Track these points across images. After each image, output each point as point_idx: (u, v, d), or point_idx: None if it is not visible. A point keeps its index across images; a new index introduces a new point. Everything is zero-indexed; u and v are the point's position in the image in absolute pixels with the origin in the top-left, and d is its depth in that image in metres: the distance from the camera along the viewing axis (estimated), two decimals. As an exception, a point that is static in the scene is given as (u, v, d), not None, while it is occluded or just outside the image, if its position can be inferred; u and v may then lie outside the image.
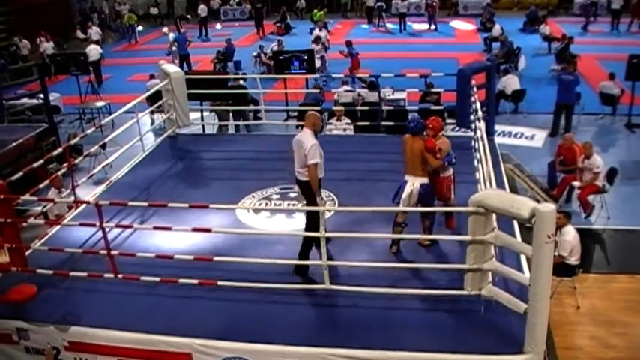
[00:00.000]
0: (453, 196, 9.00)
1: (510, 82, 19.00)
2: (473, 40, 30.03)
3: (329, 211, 9.31)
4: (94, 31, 30.60)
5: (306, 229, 8.26)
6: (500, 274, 7.02)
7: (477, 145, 10.32)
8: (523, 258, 7.58)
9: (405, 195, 8.41)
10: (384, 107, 14.62)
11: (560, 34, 25.31)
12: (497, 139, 13.20)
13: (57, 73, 23.52)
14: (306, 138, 8.21)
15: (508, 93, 18.78)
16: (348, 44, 23.95)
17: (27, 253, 8.61)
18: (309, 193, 8.30)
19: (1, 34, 30.45)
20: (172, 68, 13.48)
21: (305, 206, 8.56)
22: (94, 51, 25.84)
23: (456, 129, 13.62)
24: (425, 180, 8.43)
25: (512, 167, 12.90)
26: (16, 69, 20.75)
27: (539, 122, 17.97)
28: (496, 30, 27.18)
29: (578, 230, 10.45)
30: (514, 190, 11.74)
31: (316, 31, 26.21)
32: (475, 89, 11.70)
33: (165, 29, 27.79)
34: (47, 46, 27.82)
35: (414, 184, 8.43)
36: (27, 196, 9.15)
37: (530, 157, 15.11)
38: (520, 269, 7.38)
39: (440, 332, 7.06)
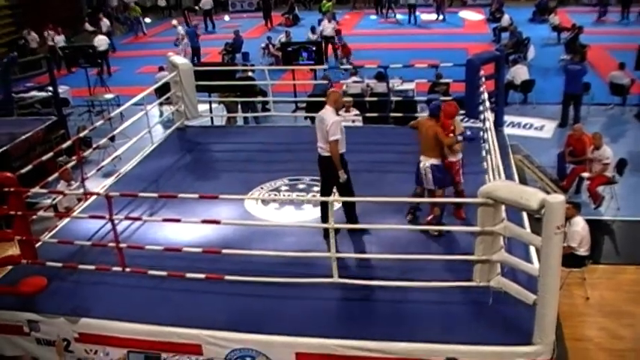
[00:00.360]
0: (462, 181, 9.08)
1: (519, 73, 18.91)
2: (482, 31, 29.91)
3: (337, 202, 9.33)
4: (104, 23, 30.60)
5: (345, 203, 8.78)
6: (509, 266, 7.01)
7: (485, 136, 10.28)
8: (532, 249, 7.56)
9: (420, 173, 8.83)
10: (393, 98, 14.58)
11: (570, 24, 25.17)
12: (507, 130, 13.15)
13: (67, 66, 23.58)
14: (328, 115, 8.65)
15: (517, 83, 18.70)
16: (337, 33, 24.05)
17: (37, 245, 8.66)
18: (330, 168, 8.63)
19: (10, 28, 30.45)
20: (181, 60, 13.48)
21: (328, 181, 8.86)
22: (102, 41, 26.07)
23: (465, 119, 13.56)
24: (436, 161, 8.68)
25: (522, 158, 12.85)
26: (25, 62, 20.76)
27: (549, 113, 17.89)
28: (505, 20, 27.06)
29: (588, 221, 10.41)
30: (523, 180, 11.71)
31: (325, 22, 26.12)
32: (484, 80, 11.66)
33: (174, 21, 27.77)
34: (59, 39, 27.84)
35: (425, 163, 8.72)
36: (37, 189, 9.18)
37: (540, 147, 15.04)
38: (529, 260, 7.37)
39: (449, 323, 7.06)
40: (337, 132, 8.50)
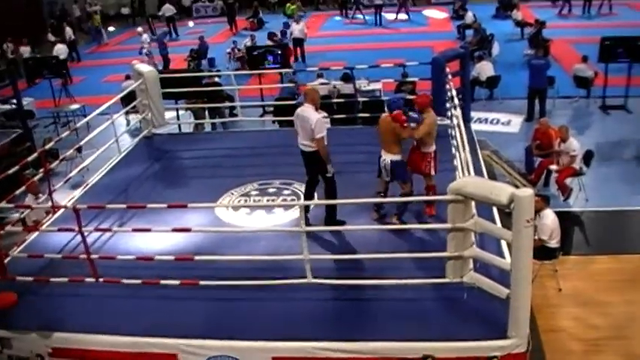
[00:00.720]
0: (433, 173, 9.24)
1: (485, 69, 19.07)
2: (446, 28, 30.11)
3: (312, 204, 9.34)
4: (67, 32, 30.37)
5: (328, 193, 9.10)
6: (482, 261, 7.05)
7: (453, 133, 10.34)
8: (504, 243, 7.61)
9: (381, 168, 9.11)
10: (360, 99, 14.62)
11: (533, 19, 25.41)
12: (474, 126, 13.26)
13: (28, 77, 23.30)
14: (310, 113, 8.97)
15: (483, 79, 18.86)
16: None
17: (6, 260, 8.54)
18: (316, 162, 9.09)
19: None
20: (146, 68, 13.38)
21: (316, 172, 9.31)
22: (61, 50, 26.07)
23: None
24: (396, 157, 8.93)
25: (490, 153, 12.96)
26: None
27: (515, 107, 18.05)
28: (469, 17, 27.28)
29: (557, 213, 10.52)
30: (492, 176, 11.80)
31: (293, 25, 26.06)
32: (450, 77, 11.72)
33: (139, 29, 27.50)
34: (25, 50, 27.61)
35: (385, 159, 8.97)
36: (3, 204, 9.05)
37: (507, 142, 15.19)
38: (501, 255, 7.42)
39: (424, 321, 7.08)
40: (323, 129, 8.86)
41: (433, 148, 9.28)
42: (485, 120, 17.37)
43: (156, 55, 25.57)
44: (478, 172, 9.64)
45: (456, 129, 9.74)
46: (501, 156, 13.27)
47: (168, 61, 26.12)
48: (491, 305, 6.89)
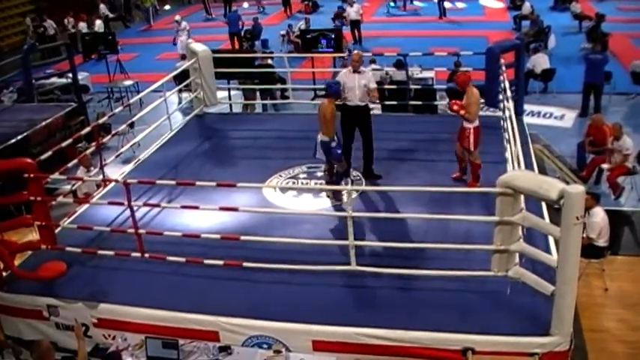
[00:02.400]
0: (472, 148, 9.59)
1: (540, 61, 18.74)
2: (502, 19, 29.62)
3: (356, 190, 9.34)
4: (102, 8, 30.75)
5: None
6: (528, 256, 6.98)
7: (505, 125, 10.23)
8: (551, 239, 7.52)
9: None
10: (412, 86, 14.51)
11: (592, 12, 24.89)
12: (526, 119, 13.08)
13: (85, 53, 23.65)
14: (364, 71, 10.24)
15: (537, 72, 18.54)
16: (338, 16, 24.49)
17: (56, 231, 8.73)
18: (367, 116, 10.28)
19: (30, 15, 30.56)
20: (200, 47, 13.47)
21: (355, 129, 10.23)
22: (99, 27, 27.01)
23: (485, 108, 13.49)
24: (325, 137, 9.44)
25: (541, 147, 12.78)
26: (44, 49, 20.87)
27: (569, 102, 17.71)
28: (526, 8, 26.79)
29: (607, 212, 10.31)
30: (543, 170, 11.64)
31: (348, 8, 25.91)
32: (504, 68, 11.58)
33: (177, 17, 27.31)
34: (83, 26, 28.09)
35: (318, 138, 9.56)
36: (56, 175, 9.23)
37: (560, 137, 14.92)
38: (548, 251, 7.34)
39: (466, 313, 7.06)
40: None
41: (474, 124, 9.50)
42: (539, 113, 17.08)
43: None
44: (529, 165, 9.55)
45: (508, 121, 9.62)
46: (553, 151, 13.07)
47: (239, 39, 25.77)
48: (535, 301, 6.83)
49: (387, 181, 9.68)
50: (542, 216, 7.78)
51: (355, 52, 10.53)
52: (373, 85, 10.10)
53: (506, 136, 9.81)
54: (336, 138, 9.54)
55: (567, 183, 6.89)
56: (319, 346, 7.13)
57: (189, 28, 25.17)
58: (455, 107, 9.56)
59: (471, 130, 9.55)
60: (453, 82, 15.47)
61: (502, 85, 11.21)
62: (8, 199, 9.15)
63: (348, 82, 9.98)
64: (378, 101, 13.16)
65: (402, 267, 7.51)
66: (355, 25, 25.27)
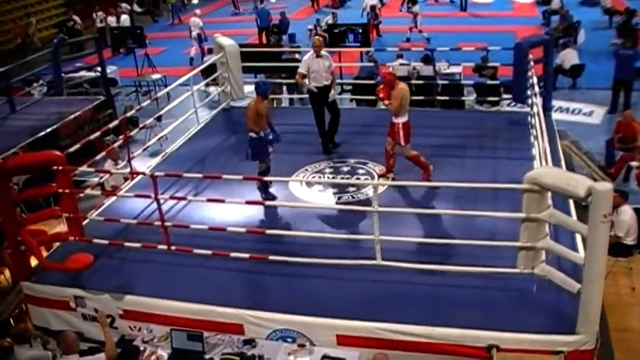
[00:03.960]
0: (403, 143, 9.78)
1: (569, 57, 18.57)
2: (531, 14, 29.38)
3: (382, 185, 9.33)
4: (124, 5, 31.06)
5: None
6: (554, 253, 6.92)
7: (533, 121, 10.16)
8: (578, 237, 7.45)
9: None
10: (439, 81, 14.45)
11: (623, 7, 24.59)
12: (555, 115, 12.94)
13: (113, 47, 23.85)
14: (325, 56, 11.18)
15: (566, 68, 18.37)
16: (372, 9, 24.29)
17: (84, 223, 8.82)
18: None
19: (60, 9, 30.83)
20: (227, 41, 13.50)
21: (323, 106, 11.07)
22: (125, 21, 27.44)
23: (512, 104, 13.41)
24: (252, 134, 9.70)
25: (569, 144, 12.65)
26: (73, 43, 21.06)
27: (598, 98, 17.53)
28: (555, 3, 26.53)
29: (636, 210, 10.21)
30: (571, 167, 11.53)
31: (367, 1, 25.87)
32: (532, 64, 11.48)
33: (197, 11, 27.30)
34: (112, 20, 28.36)
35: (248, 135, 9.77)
36: (84, 168, 9.32)
37: (588, 133, 14.78)
38: (575, 249, 7.26)
39: (491, 310, 7.02)
40: None
41: (403, 119, 9.71)
42: (567, 109, 16.94)
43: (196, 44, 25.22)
44: (556, 162, 9.48)
45: (536, 117, 9.55)
46: (581, 147, 12.93)
47: (267, 33, 25.80)
48: (561, 299, 6.78)
49: (414, 177, 9.65)
50: (569, 213, 7.71)
51: (316, 37, 11.84)
52: (332, 67, 11.30)
53: (534, 133, 9.73)
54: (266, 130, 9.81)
55: (595, 180, 6.82)
56: (343, 340, 7.13)
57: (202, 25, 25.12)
58: (381, 94, 9.80)
59: (400, 125, 9.70)
60: (480, 77, 15.46)
61: (530, 80, 11.12)
62: (37, 191, 9.27)
63: (313, 66, 11.03)
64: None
65: (427, 263, 7.49)
66: (373, 13, 25.28)
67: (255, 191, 9.52)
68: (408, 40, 23.49)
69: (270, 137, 9.77)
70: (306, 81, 11.17)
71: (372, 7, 25.30)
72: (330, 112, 11.28)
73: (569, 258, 6.72)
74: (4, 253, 9.99)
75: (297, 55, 17.68)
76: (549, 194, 6.68)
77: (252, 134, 9.67)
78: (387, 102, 9.71)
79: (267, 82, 10.50)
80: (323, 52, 11.20)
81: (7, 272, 10.15)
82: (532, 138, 9.97)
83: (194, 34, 24.57)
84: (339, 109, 11.47)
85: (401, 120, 9.73)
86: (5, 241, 9.29)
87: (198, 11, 26.75)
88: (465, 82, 15.66)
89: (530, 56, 11.61)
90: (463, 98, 14.60)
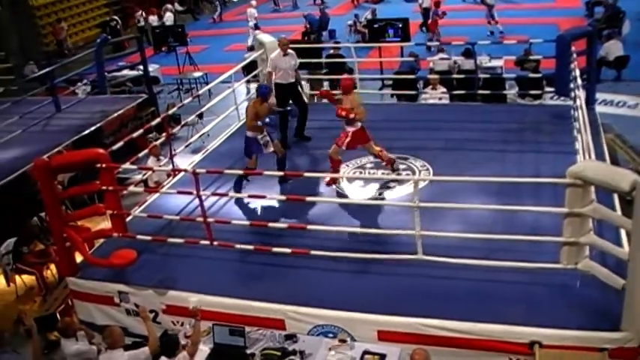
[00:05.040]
0: (339, 144, 9.88)
1: (613, 48, 18.24)
2: (574, 4, 28.91)
3: (423, 180, 9.30)
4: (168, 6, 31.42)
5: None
6: (598, 248, 6.83)
7: (576, 115, 10.03)
8: (622, 232, 7.33)
9: None
10: (480, 75, 14.32)
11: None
12: (598, 108, 12.76)
13: (155, 45, 24.13)
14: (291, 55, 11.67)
15: (610, 59, 18.05)
16: (436, 5, 23.95)
17: (127, 219, 8.94)
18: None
19: (104, 9, 31.24)
20: (267, 38, 13.57)
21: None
22: (169, 20, 27.90)
23: (555, 97, 13.24)
24: (248, 133, 9.89)
25: (614, 137, 12.45)
26: (116, 42, 21.40)
27: (644, 90, 17.22)
28: (599, -7, 26.14)
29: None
30: (615, 161, 11.33)
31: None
32: (575, 56, 11.32)
33: (253, 2, 27.58)
34: (153, 19, 28.76)
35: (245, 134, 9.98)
36: (127, 165, 9.45)
37: (633, 126, 14.50)
38: (619, 244, 7.14)
39: (533, 306, 6.96)
40: None
41: (356, 127, 9.87)
42: (611, 102, 16.65)
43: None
44: (600, 156, 9.34)
45: (579, 111, 9.42)
46: (626, 141, 12.70)
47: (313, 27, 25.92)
48: (605, 295, 6.68)
49: (455, 171, 9.58)
50: (613, 208, 7.59)
51: (282, 37, 12.12)
52: (297, 64, 11.82)
53: (577, 126, 9.60)
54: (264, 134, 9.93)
55: (640, 174, 6.70)
56: (384, 336, 7.13)
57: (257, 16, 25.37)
58: (343, 113, 9.69)
59: (350, 133, 9.81)
60: (523, 71, 15.29)
61: (573, 73, 10.97)
62: (82, 188, 9.42)
63: (280, 64, 11.56)
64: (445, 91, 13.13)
65: (469, 258, 7.44)
66: (428, 12, 25.15)
67: (296, 187, 9.55)
68: (492, 33, 23.31)
69: (267, 143, 9.95)
70: (272, 78, 11.69)
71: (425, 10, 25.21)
72: (297, 107, 11.81)
73: (613, 253, 6.63)
74: (50, 249, 10.21)
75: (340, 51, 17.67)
76: (592, 189, 6.59)
77: (249, 134, 9.87)
78: (352, 115, 9.65)
79: (267, 86, 10.75)
80: (289, 50, 11.65)
81: (53, 268, 10.36)
82: (575, 131, 9.84)
83: (251, 24, 25.07)
84: (306, 103, 12.31)
85: (355, 128, 9.86)
86: (51, 238, 9.49)
87: (253, 2, 27.06)
88: (507, 76, 15.48)
89: (573, 48, 11.45)
90: (505, 92, 14.43)
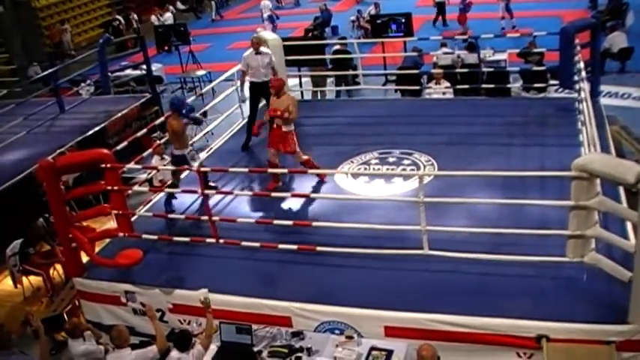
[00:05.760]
0: (295, 150, 9.84)
1: (617, 40, 18.17)
2: (577, -4, 28.87)
3: (428, 175, 9.26)
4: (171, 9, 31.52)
5: None
6: (604, 241, 6.81)
7: (581, 107, 10.00)
8: (629, 225, 7.30)
9: None
10: (484, 69, 14.30)
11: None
12: (603, 100, 12.73)
13: (158, 45, 24.15)
14: (266, 53, 11.52)
15: (614, 51, 17.98)
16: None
17: (133, 219, 8.95)
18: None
19: (107, 9, 31.26)
20: (270, 35, 13.57)
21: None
22: (169, 19, 28.01)
23: (559, 90, 13.20)
24: (175, 151, 9.55)
25: (619, 129, 12.40)
26: (118, 42, 21.44)
27: (649, 82, 17.16)
28: (602, -15, 26.05)
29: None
30: (621, 153, 11.30)
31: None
32: (579, 48, 11.29)
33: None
34: (155, 19, 28.81)
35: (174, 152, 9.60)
36: (132, 165, 9.45)
37: (638, 118, 14.45)
38: (625, 236, 7.11)
39: (540, 299, 6.94)
40: None
41: (292, 127, 9.83)
42: (616, 94, 16.59)
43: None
44: (605, 148, 9.31)
45: (584, 103, 9.39)
46: (631, 132, 12.65)
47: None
48: (611, 288, 6.66)
49: (460, 166, 9.56)
50: (619, 200, 7.57)
51: (254, 35, 12.04)
52: (274, 63, 11.58)
53: (582, 119, 9.58)
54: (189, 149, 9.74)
55: (646, 166, 6.68)
56: (391, 332, 7.13)
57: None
58: (278, 112, 9.64)
59: (292, 134, 9.80)
60: (526, 64, 15.24)
61: (577, 65, 10.94)
62: (87, 188, 9.43)
63: (252, 63, 11.44)
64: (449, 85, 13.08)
65: (475, 252, 7.42)
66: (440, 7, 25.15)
67: (302, 183, 9.55)
68: (513, 27, 23.25)
69: (194, 156, 9.79)
70: (247, 77, 11.66)
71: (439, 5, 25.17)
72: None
73: (620, 246, 6.61)
74: (56, 250, 10.23)
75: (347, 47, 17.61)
76: (598, 181, 6.57)
77: (175, 152, 9.61)
78: (286, 114, 9.60)
79: (180, 98, 10.67)
80: (263, 49, 11.58)
81: (59, 269, 10.38)
82: (580, 124, 9.82)
83: (265, 15, 25.49)
84: None
85: (291, 128, 9.83)
86: (57, 239, 9.51)
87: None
88: (511, 69, 15.44)
89: (577, 41, 11.42)
90: (509, 85, 14.40)
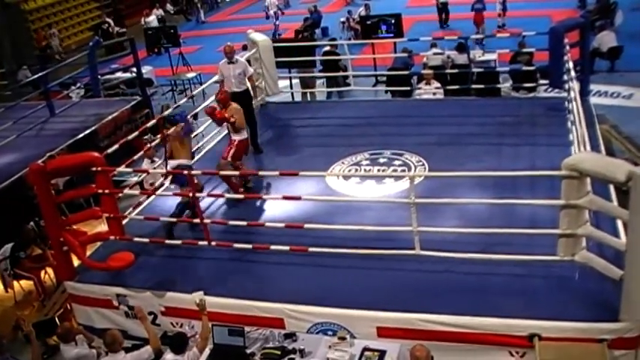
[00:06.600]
0: (227, 156, 9.80)
1: (606, 39, 18.24)
2: (566, -4, 28.96)
3: (419, 176, 9.27)
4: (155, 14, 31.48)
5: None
6: (595, 240, 6.84)
7: (570, 106, 10.03)
8: (619, 223, 7.33)
9: None
10: (474, 69, 14.33)
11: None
12: (593, 99, 12.77)
13: (148, 47, 24.11)
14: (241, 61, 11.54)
15: (604, 50, 18.06)
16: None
17: (124, 222, 8.92)
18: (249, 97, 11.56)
19: (96, 12, 31.22)
20: (260, 37, 13.56)
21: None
22: (154, 22, 27.98)
23: (549, 90, 13.24)
24: (183, 161, 9.33)
25: (609, 128, 12.45)
26: (108, 45, 21.39)
27: (638, 81, 17.20)
28: (591, -15, 26.13)
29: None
30: (611, 152, 11.35)
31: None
32: (568, 48, 11.33)
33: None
34: (149, 21, 28.85)
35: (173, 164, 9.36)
36: (123, 168, 9.43)
37: (628, 117, 14.50)
38: (616, 234, 7.14)
39: (532, 298, 6.96)
40: None
41: (242, 136, 9.96)
42: (605, 93, 16.65)
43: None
44: (595, 147, 9.35)
45: (573, 102, 9.43)
46: (621, 131, 12.71)
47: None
48: (603, 286, 6.69)
49: (451, 166, 9.58)
50: (609, 199, 7.59)
51: (227, 44, 11.80)
52: (249, 72, 11.55)
53: (572, 118, 9.61)
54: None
55: (636, 164, 6.70)
56: (384, 332, 7.13)
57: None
58: (225, 115, 9.68)
59: (236, 142, 9.83)
60: (516, 64, 15.28)
61: (566, 65, 10.98)
62: (78, 192, 9.41)
63: (224, 72, 11.36)
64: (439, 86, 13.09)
65: (466, 252, 7.44)
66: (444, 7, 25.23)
67: (293, 185, 9.54)
68: (503, 25, 23.29)
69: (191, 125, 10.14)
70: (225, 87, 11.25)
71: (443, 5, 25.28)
72: (246, 118, 10.50)
73: (611, 244, 6.64)
74: (48, 254, 10.20)
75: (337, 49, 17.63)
76: (588, 180, 6.60)
77: (183, 162, 9.40)
78: (232, 119, 9.66)
79: (180, 114, 10.06)
80: (238, 58, 11.57)
81: (51, 272, 10.35)
82: (570, 123, 9.85)
83: (271, 12, 25.93)
84: (255, 118, 11.70)
85: (239, 137, 9.87)
86: (48, 242, 9.48)
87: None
88: (501, 69, 15.49)
89: (566, 40, 11.45)
90: (499, 85, 14.44)
